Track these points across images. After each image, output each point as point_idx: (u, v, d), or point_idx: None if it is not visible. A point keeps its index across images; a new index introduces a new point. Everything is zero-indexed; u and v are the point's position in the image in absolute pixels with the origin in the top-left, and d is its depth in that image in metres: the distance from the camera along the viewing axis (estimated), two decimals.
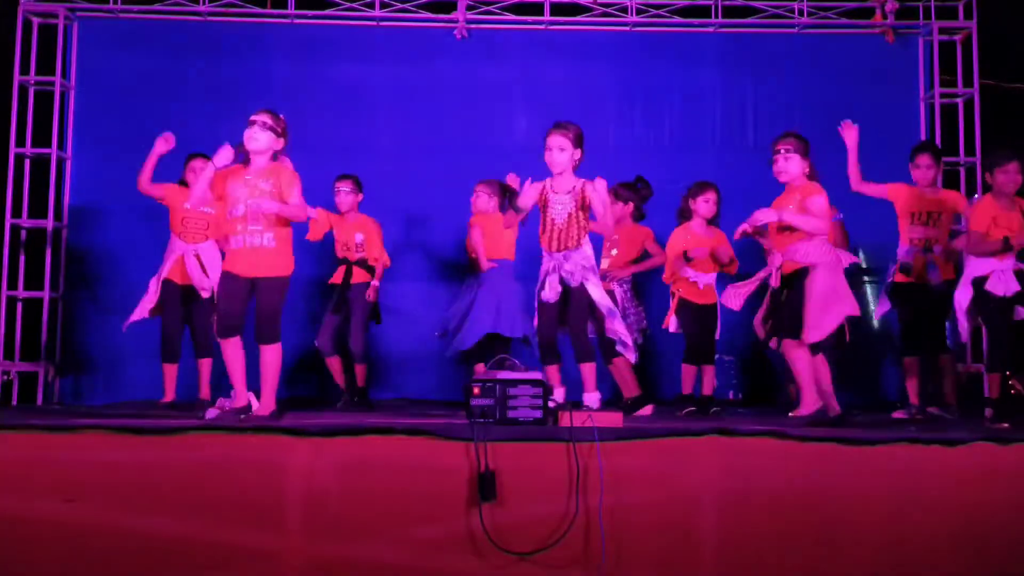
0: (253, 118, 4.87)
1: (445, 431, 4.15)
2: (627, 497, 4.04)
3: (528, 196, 5.12)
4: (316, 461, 4.06)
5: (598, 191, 4.98)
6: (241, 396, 4.89)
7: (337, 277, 6.53)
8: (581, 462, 4.02)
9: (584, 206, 5.00)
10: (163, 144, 5.88)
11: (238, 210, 4.82)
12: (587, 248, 5.04)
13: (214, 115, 7.08)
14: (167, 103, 7.44)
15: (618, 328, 5.08)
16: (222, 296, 4.92)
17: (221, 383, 5.46)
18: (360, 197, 6.60)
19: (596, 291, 5.02)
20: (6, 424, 4.28)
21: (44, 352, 7.27)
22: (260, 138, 4.84)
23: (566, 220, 4.99)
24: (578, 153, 5.04)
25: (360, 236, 6.50)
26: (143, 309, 6.06)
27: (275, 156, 4.92)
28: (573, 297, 5.02)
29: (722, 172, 6.79)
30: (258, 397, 4.91)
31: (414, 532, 4.01)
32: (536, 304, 5.12)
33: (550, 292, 5.00)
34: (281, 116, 4.95)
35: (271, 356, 4.84)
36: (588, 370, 5.01)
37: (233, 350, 4.85)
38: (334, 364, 6.54)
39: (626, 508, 4.03)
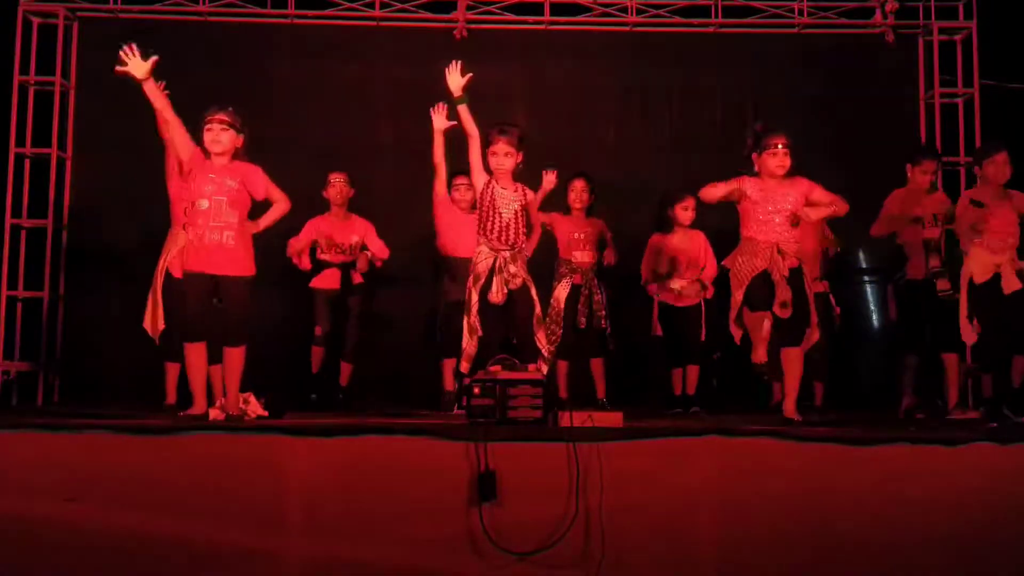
0: (210, 119, 4.82)
1: (445, 431, 4.16)
2: (627, 497, 4.04)
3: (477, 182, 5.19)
4: (316, 461, 4.06)
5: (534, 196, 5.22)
6: (200, 404, 4.85)
7: (327, 282, 6.46)
8: (581, 462, 4.02)
9: (524, 207, 5.08)
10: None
11: (200, 204, 4.79)
12: (527, 250, 5.16)
13: None
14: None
15: (541, 338, 5.08)
16: (191, 297, 4.88)
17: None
18: (352, 193, 6.53)
19: (535, 296, 5.06)
20: (6, 424, 4.28)
21: (44, 352, 7.27)
22: (223, 139, 4.83)
23: (513, 216, 5.04)
24: (520, 156, 5.09)
25: (356, 238, 6.45)
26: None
27: (236, 153, 4.90)
28: (519, 298, 5.03)
29: (722, 172, 6.76)
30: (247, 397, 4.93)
31: (414, 532, 4.01)
32: (477, 303, 5.01)
33: (497, 294, 5.00)
34: (233, 111, 4.91)
35: (237, 358, 4.82)
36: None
37: (198, 356, 4.84)
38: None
39: (626, 508, 4.04)
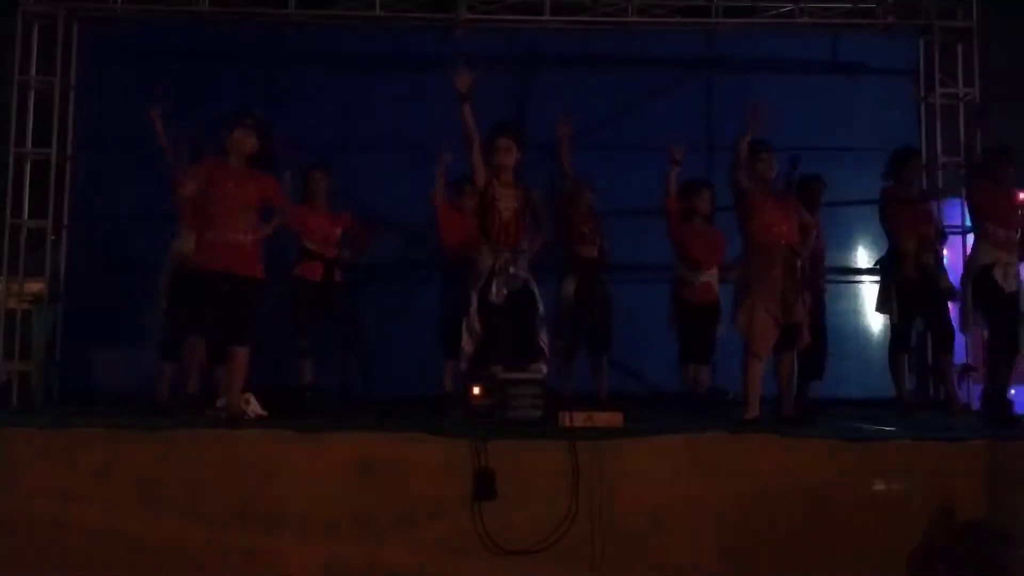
0: (241, 122, 4.90)
1: (445, 431, 4.15)
2: (627, 497, 4.05)
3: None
4: (316, 461, 4.06)
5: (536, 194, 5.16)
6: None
7: (311, 272, 6.44)
8: (581, 462, 4.02)
9: (526, 206, 5.07)
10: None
11: (219, 206, 4.83)
12: (532, 249, 5.14)
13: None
14: (167, 103, 7.42)
15: (544, 338, 5.06)
16: (200, 295, 4.90)
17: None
18: (332, 188, 6.50)
19: (537, 296, 5.03)
20: (6, 424, 4.28)
21: (44, 352, 7.26)
22: (247, 144, 4.91)
23: (513, 214, 5.04)
24: (520, 154, 5.09)
25: (339, 231, 6.44)
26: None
27: (251, 160, 4.96)
28: (520, 299, 5.00)
29: (721, 172, 6.78)
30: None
31: (414, 531, 4.01)
32: (476, 303, 4.98)
33: (497, 295, 4.97)
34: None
35: (241, 358, 4.84)
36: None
37: (199, 352, 4.95)
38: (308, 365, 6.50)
39: (626, 508, 4.04)
